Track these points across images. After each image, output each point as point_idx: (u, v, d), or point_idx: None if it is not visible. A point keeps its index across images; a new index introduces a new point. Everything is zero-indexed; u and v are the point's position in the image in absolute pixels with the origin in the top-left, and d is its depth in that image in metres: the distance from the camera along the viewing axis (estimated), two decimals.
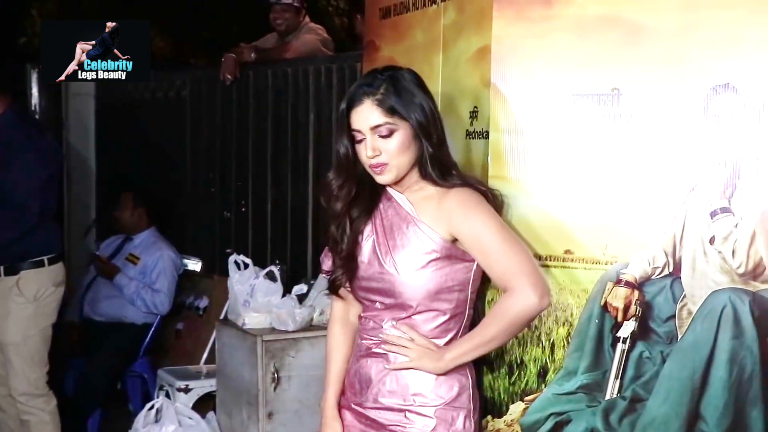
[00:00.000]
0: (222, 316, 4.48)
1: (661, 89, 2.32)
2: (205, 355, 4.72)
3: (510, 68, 2.44)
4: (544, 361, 2.45)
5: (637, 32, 2.34)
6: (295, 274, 4.46)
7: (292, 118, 4.78)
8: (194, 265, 5.24)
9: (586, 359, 2.41)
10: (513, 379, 2.47)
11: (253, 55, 5.04)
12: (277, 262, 4.33)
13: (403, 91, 2.20)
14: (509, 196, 2.39)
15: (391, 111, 2.18)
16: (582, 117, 2.39)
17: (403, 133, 2.19)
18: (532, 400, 2.46)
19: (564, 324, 2.43)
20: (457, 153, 2.62)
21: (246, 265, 4.01)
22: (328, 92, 4.54)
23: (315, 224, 4.62)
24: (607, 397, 2.40)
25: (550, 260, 2.42)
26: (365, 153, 2.20)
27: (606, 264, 2.39)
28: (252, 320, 3.81)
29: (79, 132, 6.45)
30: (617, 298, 2.38)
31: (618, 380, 2.39)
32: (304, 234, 4.66)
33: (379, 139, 2.19)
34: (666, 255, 2.35)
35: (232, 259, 4.03)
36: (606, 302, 2.39)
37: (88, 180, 6.55)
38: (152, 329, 5.00)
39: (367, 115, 2.19)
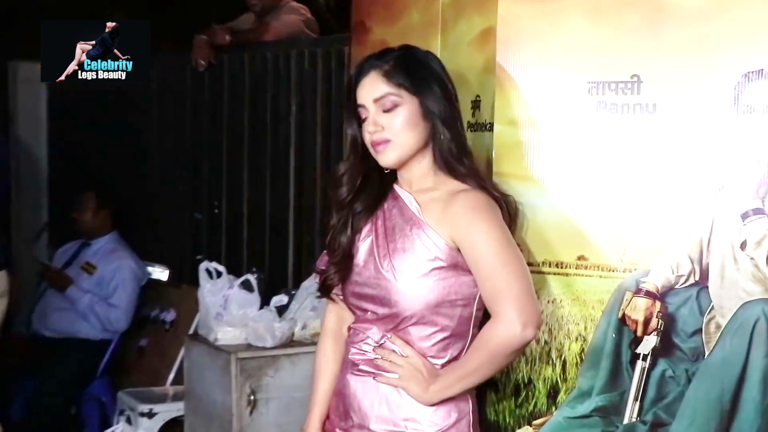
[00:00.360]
0: (191, 331, 4.49)
1: (686, 76, 2.34)
2: (171, 375, 4.72)
3: (517, 53, 2.45)
4: (554, 381, 2.46)
5: (660, 12, 2.36)
6: (274, 283, 4.47)
7: (272, 108, 4.78)
8: (160, 273, 5.24)
9: (601, 378, 2.42)
10: (520, 400, 2.48)
11: (227, 37, 5.04)
12: (254, 270, 4.32)
13: (415, 65, 2.23)
14: (515, 195, 2.39)
15: (397, 83, 2.20)
16: (598, 107, 2.40)
17: (409, 109, 2.20)
18: (541, 425, 2.46)
19: (577, 339, 2.44)
20: None
21: (219, 274, 4.01)
22: (312, 79, 4.55)
23: (296, 228, 4.62)
24: (626, 421, 2.41)
25: (562, 267, 2.44)
26: (367, 129, 2.22)
27: (624, 271, 2.40)
28: (225, 335, 3.81)
29: (29, 124, 6.44)
30: (637, 309, 2.39)
31: (637, 402, 2.40)
32: (284, 239, 4.67)
33: (383, 114, 2.21)
34: (691, 262, 2.36)
35: (203, 266, 4.03)
36: (624, 314, 2.40)
37: (39, 178, 6.54)
38: (111, 346, 5.00)
39: (371, 87, 2.22)
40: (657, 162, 2.36)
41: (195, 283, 4.15)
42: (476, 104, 2.56)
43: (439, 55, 2.68)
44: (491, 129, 2.48)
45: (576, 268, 2.43)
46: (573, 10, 2.42)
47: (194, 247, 5.25)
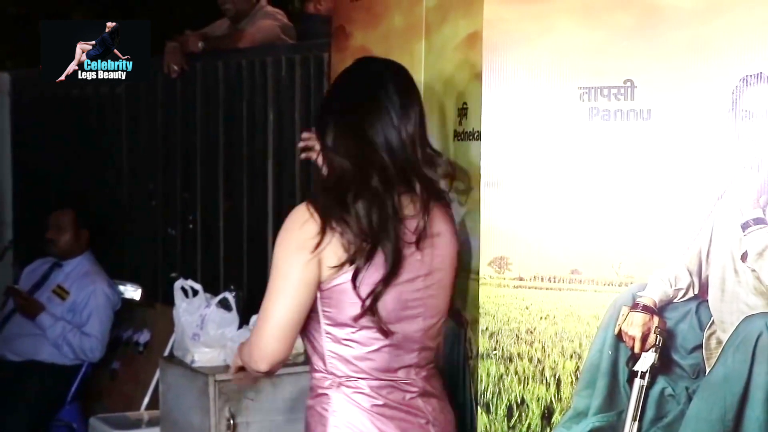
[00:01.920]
0: (166, 353, 4.45)
1: (682, 81, 2.34)
2: (146, 400, 4.69)
3: (505, 58, 2.45)
4: (549, 401, 2.45)
5: (654, 14, 2.36)
6: (253, 301, 4.43)
7: (248, 117, 4.77)
8: (132, 292, 5.21)
9: (598, 398, 2.42)
10: (513, 421, 2.47)
11: (200, 44, 5.03)
12: (232, 287, 4.31)
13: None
14: (503, 205, 2.39)
15: None
16: (590, 114, 2.40)
17: None
18: None
19: (572, 356, 2.44)
20: (444, 156, 2.62)
21: (195, 292, 3.99)
22: (289, 87, 4.54)
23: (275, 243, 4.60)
24: None
25: (554, 281, 2.44)
26: None
27: (620, 285, 2.40)
28: (202, 357, 3.79)
29: None
30: (634, 325, 2.39)
31: (636, 422, 2.40)
32: (263, 254, 4.65)
33: None
34: (690, 274, 2.37)
35: (178, 284, 4.01)
36: (621, 330, 2.40)
37: (3, 193, 6.51)
38: (82, 370, 4.97)
39: None
40: (653, 170, 2.37)
41: (169, 302, 4.13)
42: (463, 112, 2.56)
43: (423, 61, 2.69)
44: (479, 138, 2.48)
45: (569, 282, 2.43)
46: (562, 12, 2.42)
47: (168, 265, 5.22)
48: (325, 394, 2.30)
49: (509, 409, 2.47)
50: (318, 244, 2.18)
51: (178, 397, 3.87)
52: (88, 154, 5.89)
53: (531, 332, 2.47)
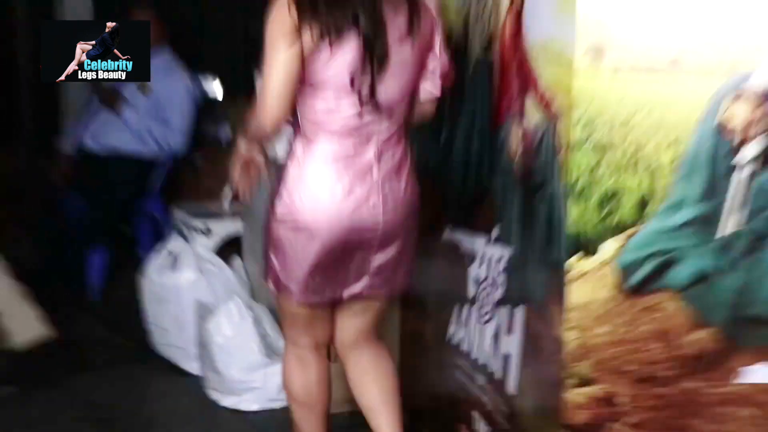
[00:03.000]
0: None
1: None
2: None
3: None
4: (644, 191, 2.38)
5: None
6: None
7: None
8: (213, 87, 5.18)
9: (697, 188, 2.36)
10: (606, 211, 2.41)
11: None
12: None
13: None
14: None
15: None
16: None
17: None
18: (630, 237, 2.40)
19: (669, 146, 2.36)
20: None
21: None
22: None
23: None
24: (722, 233, 2.37)
25: (654, 70, 2.33)
26: None
27: (723, 74, 2.31)
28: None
29: None
30: (738, 114, 2.31)
31: (737, 213, 2.35)
32: None
33: None
34: None
35: (259, 77, 3.94)
36: (724, 119, 2.32)
37: None
38: (165, 163, 5.03)
39: None
40: None
41: (251, 96, 4.08)
42: None
43: None
44: None
45: (670, 71, 2.33)
46: None
47: (249, 59, 5.15)
48: (294, 147, 2.65)
49: (602, 198, 2.41)
50: (295, 29, 2.49)
51: (259, 191, 3.85)
52: None
53: (626, 123, 2.38)
